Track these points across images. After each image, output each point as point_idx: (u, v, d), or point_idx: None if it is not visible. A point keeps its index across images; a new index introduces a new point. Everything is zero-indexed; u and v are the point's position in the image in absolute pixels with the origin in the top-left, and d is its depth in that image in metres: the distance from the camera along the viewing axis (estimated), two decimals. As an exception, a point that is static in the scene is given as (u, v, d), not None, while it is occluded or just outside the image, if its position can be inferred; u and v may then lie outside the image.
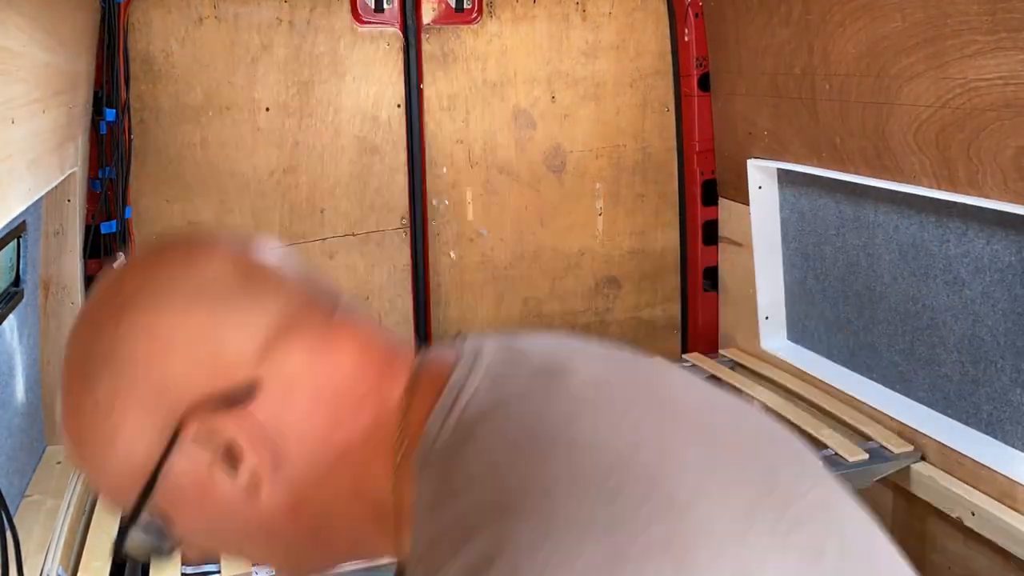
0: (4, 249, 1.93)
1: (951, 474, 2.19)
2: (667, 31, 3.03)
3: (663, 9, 3.01)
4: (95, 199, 2.49)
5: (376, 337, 0.75)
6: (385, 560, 0.75)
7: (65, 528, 1.92)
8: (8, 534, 1.58)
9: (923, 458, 2.28)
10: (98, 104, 2.47)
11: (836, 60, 2.32)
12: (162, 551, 0.72)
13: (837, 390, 2.58)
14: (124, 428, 0.68)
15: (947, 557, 2.25)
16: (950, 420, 2.30)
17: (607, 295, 3.15)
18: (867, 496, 2.47)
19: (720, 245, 3.10)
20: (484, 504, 0.59)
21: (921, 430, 2.29)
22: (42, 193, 1.90)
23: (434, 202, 2.91)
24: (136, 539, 0.71)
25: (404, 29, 2.79)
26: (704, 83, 3.01)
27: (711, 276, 3.15)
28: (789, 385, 2.71)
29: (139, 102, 2.58)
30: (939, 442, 2.23)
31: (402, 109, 2.83)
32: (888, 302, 2.45)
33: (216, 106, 2.65)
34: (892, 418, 2.38)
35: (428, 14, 2.81)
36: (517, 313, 3.05)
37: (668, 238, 3.17)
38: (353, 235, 2.84)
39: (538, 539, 0.55)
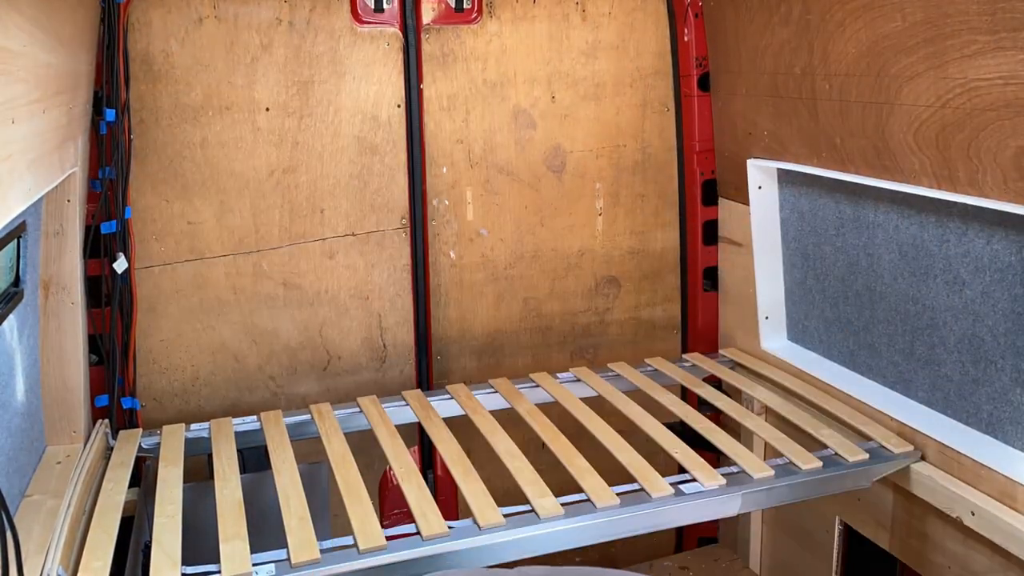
0: (4, 249, 1.93)
1: (951, 474, 2.19)
2: (667, 31, 3.03)
3: (663, 9, 3.02)
4: (95, 199, 2.49)
5: None
6: None
7: (65, 528, 1.91)
8: (8, 534, 1.58)
9: (923, 458, 2.28)
10: (98, 104, 2.47)
11: (836, 60, 2.32)
12: None
13: (837, 390, 2.58)
14: None
15: (947, 557, 2.25)
16: (950, 420, 2.30)
17: (607, 295, 3.15)
18: (867, 496, 2.48)
19: (720, 245, 3.11)
20: None
21: (921, 430, 2.29)
22: (42, 193, 1.90)
23: (434, 202, 2.92)
24: None
25: (404, 29, 2.79)
26: (704, 83, 3.01)
27: (711, 276, 3.16)
28: (789, 385, 2.71)
29: (139, 102, 2.58)
30: (939, 442, 2.23)
31: (402, 109, 2.83)
32: (888, 302, 2.45)
33: (216, 106, 2.66)
34: (892, 418, 2.38)
35: (428, 14, 2.82)
36: (517, 313, 3.06)
37: (668, 238, 3.17)
38: (353, 235, 2.85)
39: None
